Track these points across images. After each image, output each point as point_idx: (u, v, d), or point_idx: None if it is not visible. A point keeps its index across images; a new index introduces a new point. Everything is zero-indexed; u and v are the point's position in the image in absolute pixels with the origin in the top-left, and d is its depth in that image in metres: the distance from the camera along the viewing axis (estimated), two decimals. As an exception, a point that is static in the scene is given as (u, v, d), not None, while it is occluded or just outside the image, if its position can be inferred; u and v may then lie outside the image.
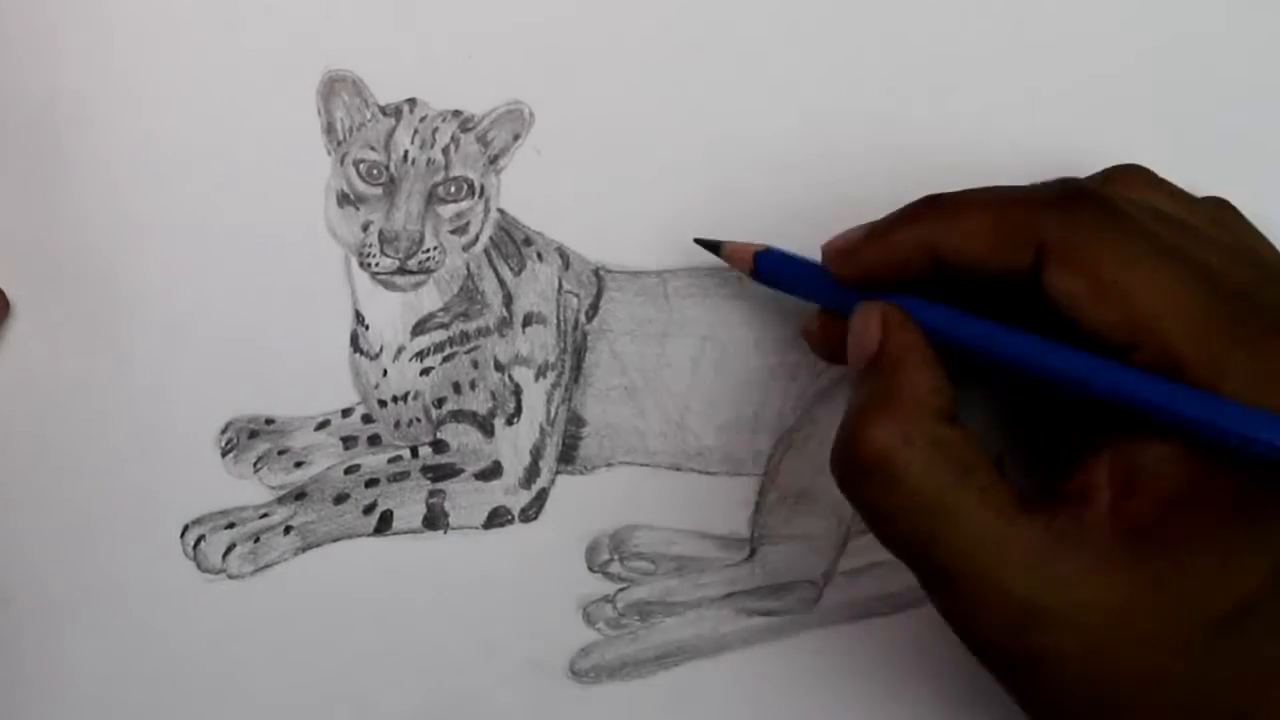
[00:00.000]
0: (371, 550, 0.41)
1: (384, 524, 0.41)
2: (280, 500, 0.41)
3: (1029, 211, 0.31)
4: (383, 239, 0.41)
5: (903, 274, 0.33)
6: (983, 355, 0.32)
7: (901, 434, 0.31)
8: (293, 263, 0.41)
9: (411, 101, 0.41)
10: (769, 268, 0.37)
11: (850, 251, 0.34)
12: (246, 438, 0.41)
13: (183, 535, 0.41)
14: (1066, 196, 0.32)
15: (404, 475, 0.41)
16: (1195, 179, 0.41)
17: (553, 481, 0.41)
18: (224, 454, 0.41)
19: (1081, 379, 0.31)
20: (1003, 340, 0.32)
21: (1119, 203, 0.31)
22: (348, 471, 0.41)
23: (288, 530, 0.41)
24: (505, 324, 0.41)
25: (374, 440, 0.42)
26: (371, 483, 0.41)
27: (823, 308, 0.37)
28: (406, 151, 0.41)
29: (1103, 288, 0.30)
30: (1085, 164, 0.41)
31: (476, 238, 0.41)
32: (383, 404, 0.42)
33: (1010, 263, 0.31)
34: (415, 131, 0.41)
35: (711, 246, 0.39)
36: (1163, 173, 0.39)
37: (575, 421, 0.41)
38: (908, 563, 0.32)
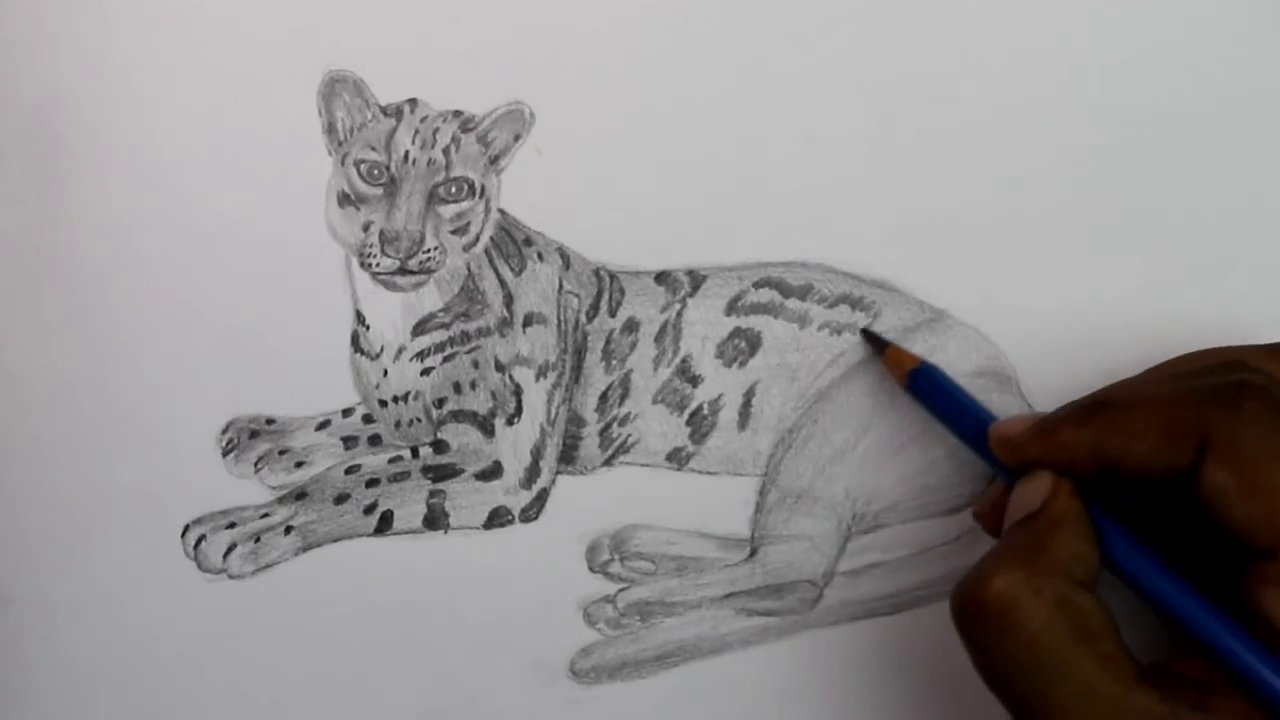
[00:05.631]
0: (372, 550, 0.41)
1: (384, 524, 0.41)
2: (281, 500, 0.41)
3: (1195, 409, 0.32)
4: (383, 239, 0.41)
5: (1067, 472, 0.33)
6: (1115, 567, 0.33)
7: (1031, 585, 0.31)
8: (293, 263, 0.41)
9: (412, 102, 0.41)
10: (922, 384, 0.38)
11: (1017, 445, 0.34)
12: (247, 437, 0.41)
13: (183, 535, 0.41)
14: (1232, 390, 0.32)
15: (404, 475, 0.41)
16: (1195, 181, 0.41)
17: (553, 481, 0.41)
18: (225, 454, 0.41)
19: (1199, 632, 0.31)
20: (1137, 564, 0.32)
21: None
22: (348, 471, 0.41)
23: (288, 530, 0.41)
24: (506, 324, 0.41)
25: (374, 440, 0.42)
26: (372, 483, 0.41)
27: (995, 498, 0.36)
28: (407, 152, 0.41)
29: (1255, 485, 0.30)
30: (1085, 163, 0.41)
31: (477, 238, 0.41)
32: (383, 404, 0.42)
33: (1174, 461, 0.32)
34: (416, 132, 0.41)
35: (876, 343, 0.40)
36: (1161, 171, 0.39)
37: (575, 421, 0.41)
38: (1012, 711, 0.32)
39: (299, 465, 0.41)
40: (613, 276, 0.41)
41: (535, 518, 0.41)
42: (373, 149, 0.41)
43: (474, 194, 0.41)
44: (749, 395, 0.41)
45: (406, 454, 0.42)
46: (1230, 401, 0.31)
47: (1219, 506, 0.31)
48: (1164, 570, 0.32)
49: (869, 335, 0.40)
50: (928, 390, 0.38)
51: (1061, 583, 0.31)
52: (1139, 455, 0.32)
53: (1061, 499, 0.33)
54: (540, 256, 0.41)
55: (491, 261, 0.41)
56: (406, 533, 0.41)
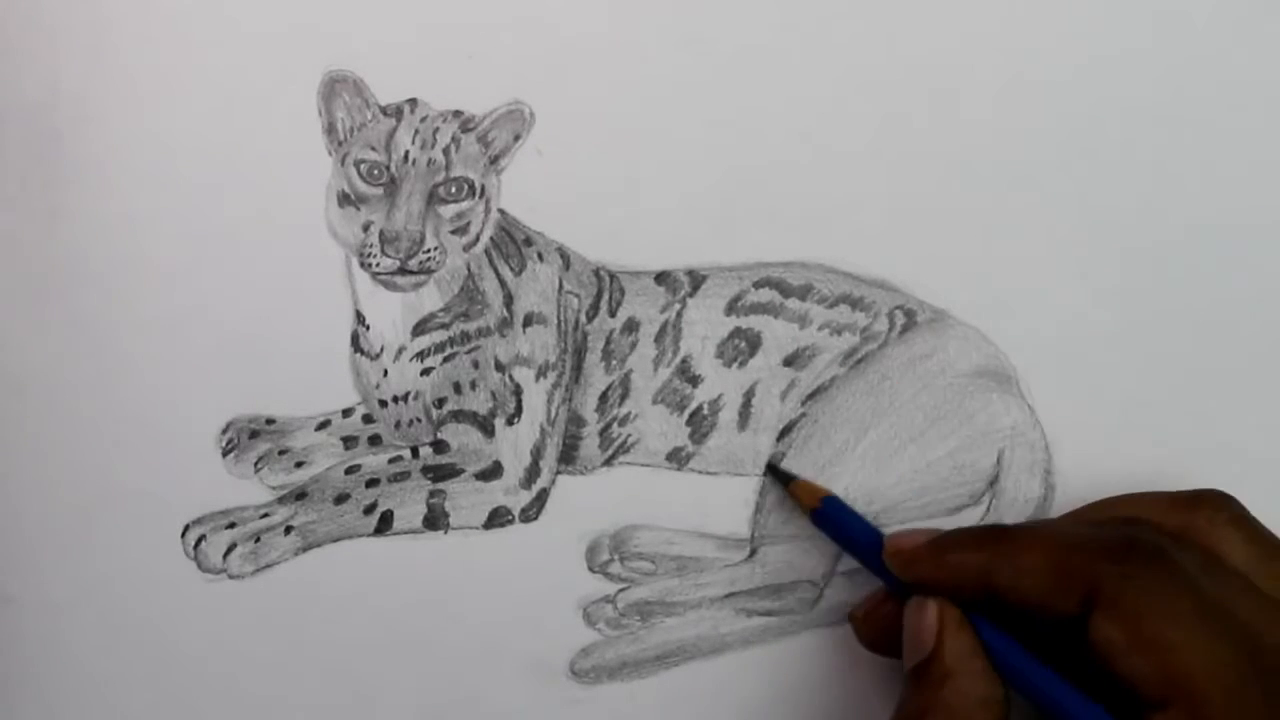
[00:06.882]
0: (372, 550, 0.41)
1: (384, 524, 0.41)
2: (281, 500, 0.41)
3: (1085, 559, 0.32)
4: (383, 239, 0.41)
5: (956, 594, 0.34)
6: (1015, 683, 0.33)
7: None
8: (293, 263, 0.41)
9: (412, 102, 0.41)
10: (828, 516, 0.39)
11: (910, 560, 0.35)
12: (247, 438, 0.41)
13: (183, 535, 0.41)
14: (1124, 547, 0.32)
15: (404, 475, 0.41)
16: (1196, 180, 0.41)
17: (553, 481, 0.41)
18: (225, 454, 0.41)
19: None
20: (1036, 681, 0.33)
21: (1173, 557, 0.32)
22: (348, 471, 0.41)
23: (288, 530, 0.41)
24: (506, 324, 0.41)
25: (374, 440, 0.42)
26: (372, 483, 0.41)
27: (873, 604, 0.37)
28: (407, 152, 0.41)
29: (1142, 640, 0.31)
30: (1085, 162, 0.41)
31: (477, 238, 0.41)
32: (383, 404, 0.42)
33: (1060, 605, 0.32)
34: (416, 132, 0.41)
35: (782, 478, 0.40)
36: (1161, 171, 0.39)
37: (575, 421, 0.41)
38: None
39: (299, 465, 0.41)
40: (613, 276, 0.41)
41: (535, 518, 0.41)
42: (373, 149, 0.41)
43: (474, 194, 0.41)
44: (749, 395, 0.41)
45: (406, 454, 0.42)
46: (1119, 557, 0.32)
47: (1107, 658, 0.31)
48: (1069, 690, 0.32)
49: (774, 470, 0.40)
50: (832, 519, 0.39)
51: None
52: (1027, 590, 0.33)
53: (951, 637, 0.34)
54: (540, 256, 0.41)
55: (491, 261, 0.41)
56: (406, 533, 0.41)
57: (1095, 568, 0.32)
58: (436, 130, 0.41)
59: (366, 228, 0.41)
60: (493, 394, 0.41)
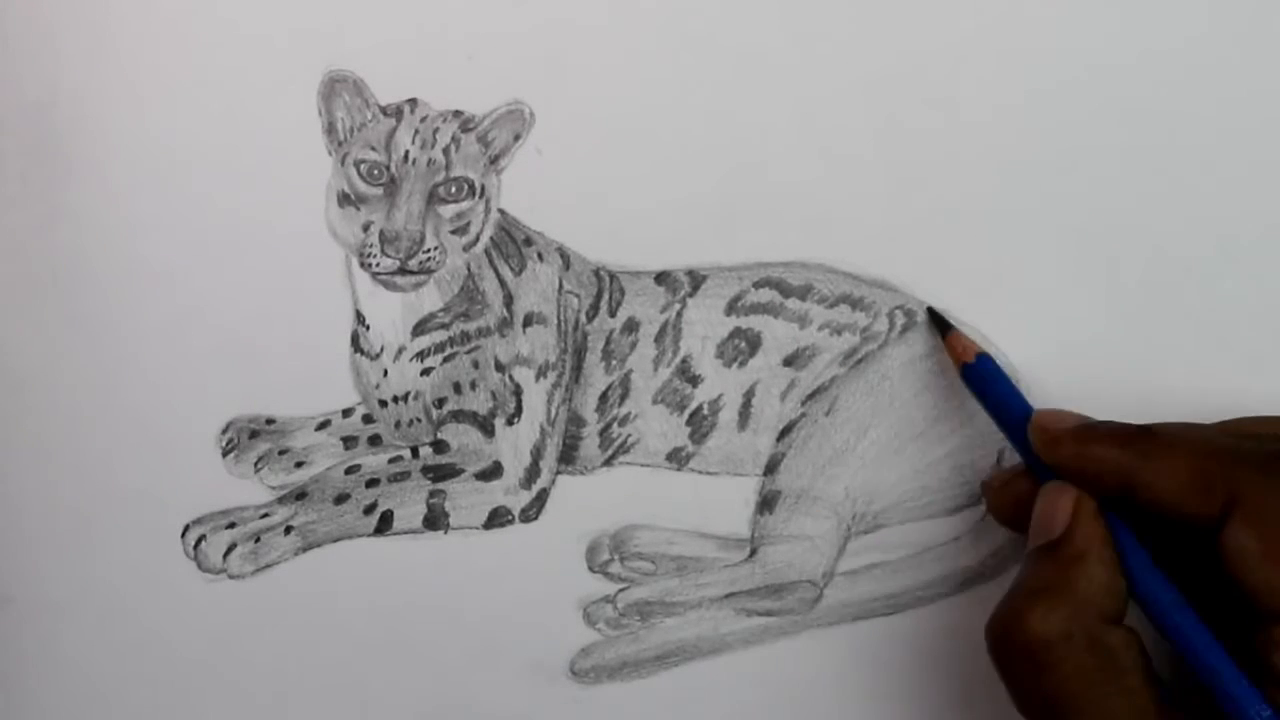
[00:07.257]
0: (372, 550, 0.41)
1: (384, 524, 0.41)
2: (281, 500, 0.41)
3: (1229, 465, 0.32)
4: (383, 239, 0.41)
5: (1093, 485, 0.34)
6: (1133, 585, 0.33)
7: (1065, 628, 0.32)
8: (293, 263, 0.41)
9: (412, 102, 0.41)
10: (979, 374, 0.38)
11: (1054, 440, 0.35)
12: (247, 437, 0.41)
13: (183, 535, 0.41)
14: (1271, 457, 0.32)
15: (404, 475, 0.41)
16: (1194, 180, 0.41)
17: (553, 481, 0.41)
18: (225, 454, 0.41)
19: (1203, 667, 0.32)
20: (1157, 595, 0.33)
21: None
22: (348, 471, 0.41)
23: (288, 530, 0.41)
24: (506, 324, 0.41)
25: (374, 440, 0.42)
26: (372, 483, 0.41)
27: (1009, 476, 0.37)
28: (407, 152, 0.41)
29: (1276, 551, 0.31)
30: (1085, 162, 0.41)
31: (477, 238, 0.41)
32: (383, 404, 0.42)
33: (1199, 509, 0.32)
34: (416, 132, 0.41)
35: (940, 325, 0.40)
36: (1162, 171, 0.39)
37: (575, 421, 0.41)
38: None
39: (299, 465, 0.41)
40: (613, 276, 0.41)
41: (535, 518, 0.41)
42: (373, 149, 0.41)
43: (474, 194, 0.41)
44: (749, 395, 0.41)
45: (406, 454, 0.42)
46: (1266, 468, 0.32)
47: (1238, 566, 0.31)
48: (1181, 608, 0.33)
49: (934, 315, 0.40)
50: (983, 378, 0.38)
51: (1093, 623, 0.32)
52: (1165, 492, 0.32)
53: (1084, 524, 0.33)
54: (540, 256, 0.41)
55: (491, 261, 0.41)
56: (406, 533, 0.41)
57: (1239, 474, 0.32)
58: (436, 130, 0.41)
59: (366, 228, 0.41)
60: (493, 394, 0.41)
